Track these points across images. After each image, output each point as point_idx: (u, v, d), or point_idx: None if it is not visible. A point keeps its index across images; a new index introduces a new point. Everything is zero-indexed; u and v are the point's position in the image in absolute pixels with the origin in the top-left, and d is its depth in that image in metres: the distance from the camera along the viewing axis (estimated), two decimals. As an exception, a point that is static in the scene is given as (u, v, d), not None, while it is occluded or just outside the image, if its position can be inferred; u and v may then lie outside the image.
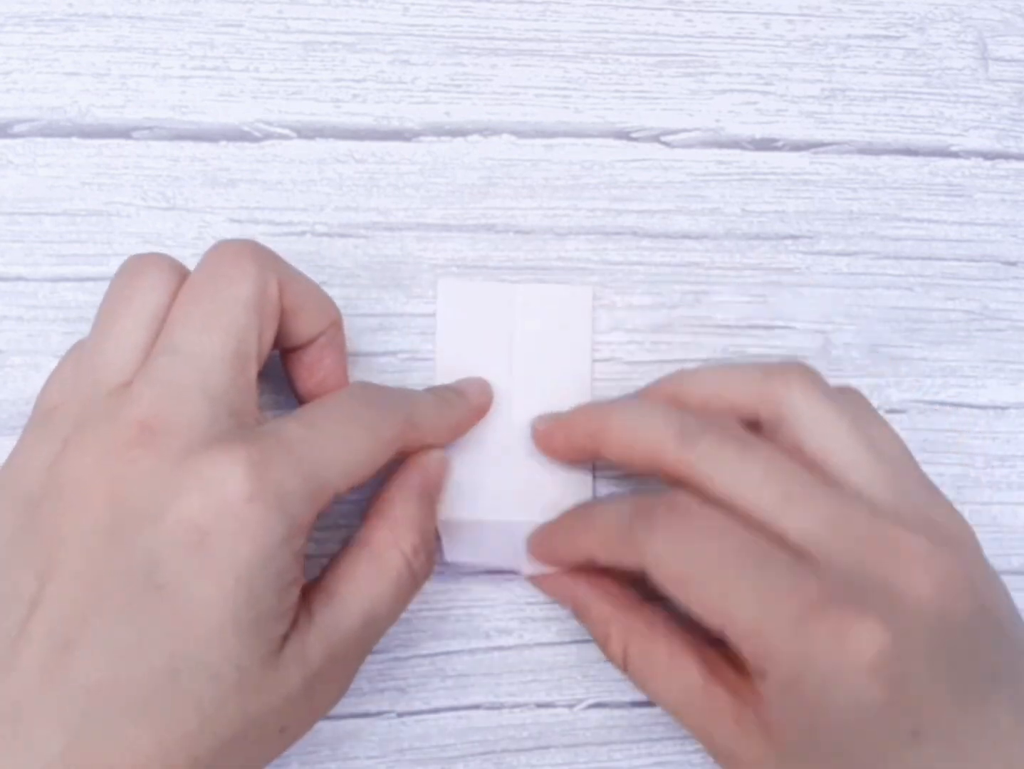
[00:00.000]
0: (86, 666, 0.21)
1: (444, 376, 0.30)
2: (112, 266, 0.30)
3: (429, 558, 0.27)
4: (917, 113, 0.34)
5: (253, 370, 0.25)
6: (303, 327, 0.26)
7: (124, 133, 0.30)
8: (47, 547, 0.22)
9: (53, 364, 0.26)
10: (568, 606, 0.29)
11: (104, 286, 0.30)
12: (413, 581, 0.26)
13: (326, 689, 0.25)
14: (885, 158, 0.33)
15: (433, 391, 0.29)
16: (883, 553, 0.24)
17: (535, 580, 0.29)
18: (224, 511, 0.22)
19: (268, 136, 0.31)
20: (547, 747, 0.30)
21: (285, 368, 0.28)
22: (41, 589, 0.22)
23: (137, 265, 0.26)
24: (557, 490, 0.30)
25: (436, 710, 0.30)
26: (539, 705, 0.30)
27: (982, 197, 0.34)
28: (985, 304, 0.33)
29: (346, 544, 0.26)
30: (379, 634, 0.26)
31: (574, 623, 0.30)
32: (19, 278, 0.30)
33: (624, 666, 0.27)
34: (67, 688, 0.21)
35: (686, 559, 0.25)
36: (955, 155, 0.34)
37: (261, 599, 0.22)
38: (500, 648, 0.30)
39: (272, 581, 0.23)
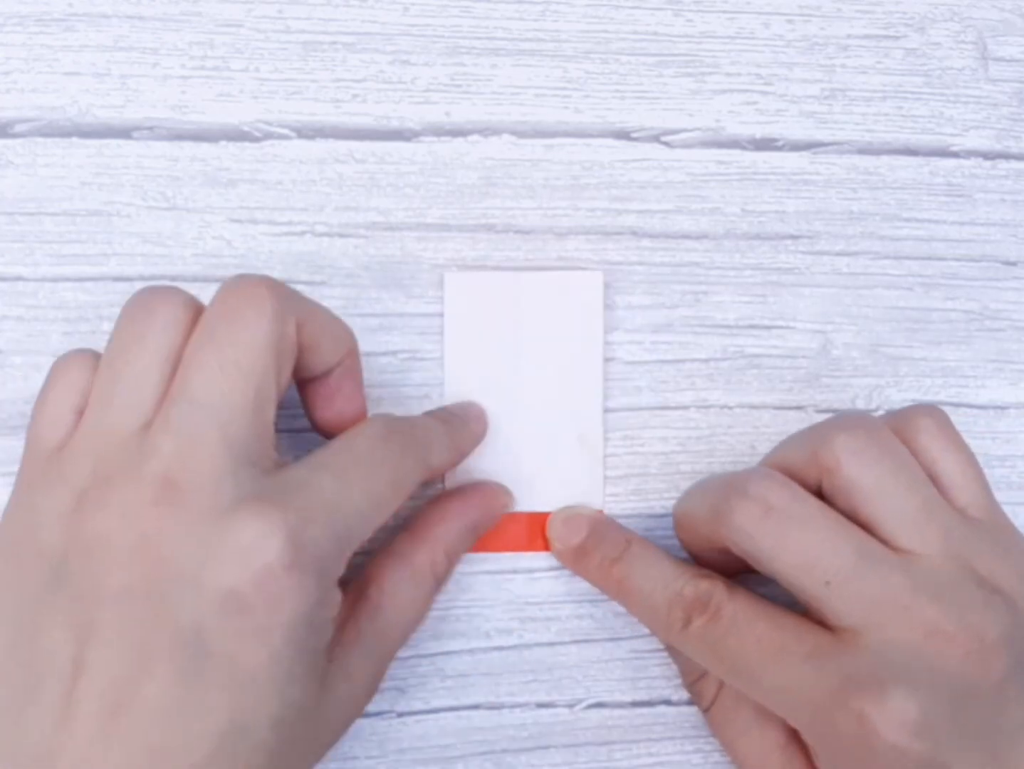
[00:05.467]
0: (144, 729, 0.21)
1: (454, 371, 0.30)
2: (112, 266, 0.30)
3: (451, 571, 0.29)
4: (917, 113, 0.34)
5: (271, 413, 0.24)
6: (320, 359, 0.26)
7: (124, 133, 0.30)
8: (83, 607, 0.21)
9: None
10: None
11: (104, 286, 0.30)
12: (437, 590, 0.28)
13: (365, 696, 0.26)
14: (885, 158, 0.33)
15: (441, 418, 0.29)
16: (916, 631, 0.24)
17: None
18: (264, 580, 0.21)
19: (268, 136, 0.31)
20: (547, 747, 0.30)
21: (302, 398, 0.27)
22: (82, 652, 0.21)
23: (150, 301, 0.24)
24: (566, 481, 0.30)
25: (436, 710, 0.30)
26: (539, 705, 0.30)
27: (982, 197, 0.34)
28: (985, 304, 0.33)
29: (385, 554, 0.28)
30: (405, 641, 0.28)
31: (574, 623, 0.30)
32: (19, 278, 0.30)
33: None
34: (126, 751, 0.20)
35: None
36: (955, 155, 0.34)
37: (307, 650, 0.23)
38: (500, 648, 0.30)
39: (316, 633, 0.23)
